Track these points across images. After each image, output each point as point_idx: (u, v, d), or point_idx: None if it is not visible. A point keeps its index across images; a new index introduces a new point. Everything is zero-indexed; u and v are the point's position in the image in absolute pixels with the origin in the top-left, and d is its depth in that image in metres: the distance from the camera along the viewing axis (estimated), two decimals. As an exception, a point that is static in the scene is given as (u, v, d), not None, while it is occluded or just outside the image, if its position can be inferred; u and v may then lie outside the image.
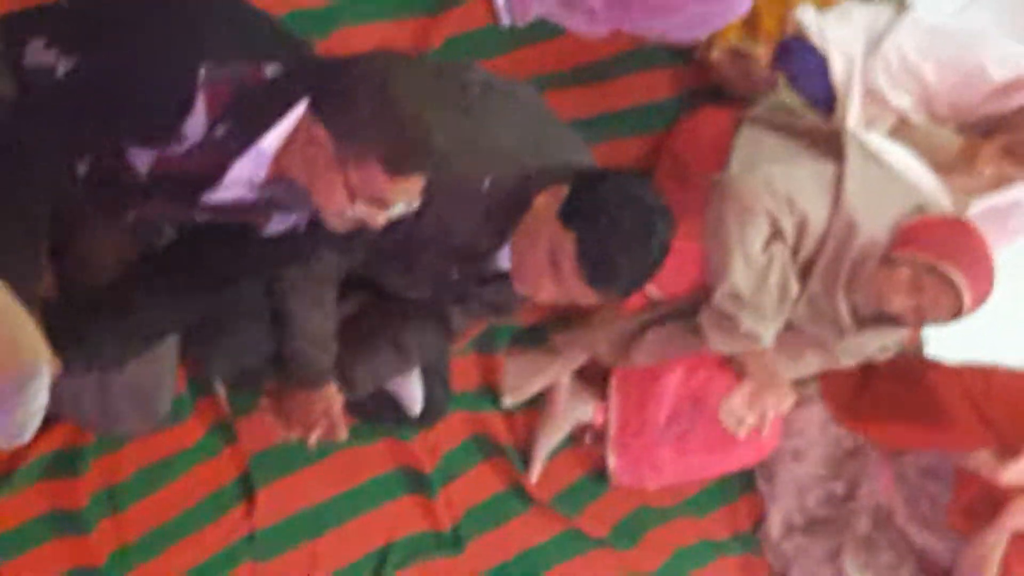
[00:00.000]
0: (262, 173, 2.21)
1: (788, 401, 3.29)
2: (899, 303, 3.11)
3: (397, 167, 2.12)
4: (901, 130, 3.40)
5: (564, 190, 2.49)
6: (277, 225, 2.37)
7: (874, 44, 3.32)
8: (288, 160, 2.19)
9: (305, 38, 2.34)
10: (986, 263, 3.13)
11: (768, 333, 3.14)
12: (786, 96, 3.30)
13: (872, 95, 3.34)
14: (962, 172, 3.34)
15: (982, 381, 3.42)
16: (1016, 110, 3.32)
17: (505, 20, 3.19)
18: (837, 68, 3.31)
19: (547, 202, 2.50)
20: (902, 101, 3.36)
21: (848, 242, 3.11)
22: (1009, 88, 3.31)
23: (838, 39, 3.32)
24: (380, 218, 2.20)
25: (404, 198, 2.18)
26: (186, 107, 2.09)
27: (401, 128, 2.10)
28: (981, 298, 3.10)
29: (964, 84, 3.33)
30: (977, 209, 3.36)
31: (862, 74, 3.31)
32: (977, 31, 3.34)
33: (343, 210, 2.19)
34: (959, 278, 3.05)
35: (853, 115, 3.32)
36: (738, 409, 3.28)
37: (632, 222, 2.45)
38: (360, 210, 2.18)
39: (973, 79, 3.32)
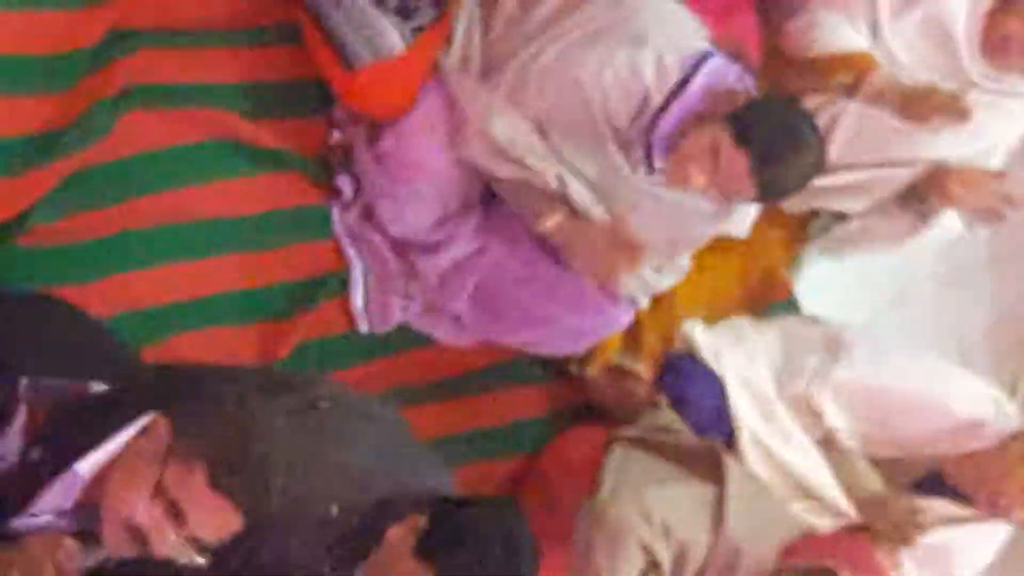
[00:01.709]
0: (70, 501, 2.02)
1: None
2: None
3: (220, 480, 1.94)
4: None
5: (422, 521, 2.35)
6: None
7: (795, 365, 3.23)
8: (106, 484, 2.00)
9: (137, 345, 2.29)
10: None
11: None
12: (666, 415, 3.18)
13: (800, 407, 3.23)
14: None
15: None
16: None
17: (364, 326, 3.06)
18: (735, 392, 3.19)
19: (402, 535, 2.35)
20: (838, 421, 3.23)
21: (733, 569, 2.97)
22: (965, 429, 3.19)
23: (735, 362, 3.22)
24: (164, 543, 1.96)
25: (201, 531, 1.95)
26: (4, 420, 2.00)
27: (243, 446, 1.95)
28: None
29: (922, 416, 3.22)
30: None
31: (775, 391, 3.22)
32: (942, 365, 3.33)
33: (132, 514, 1.95)
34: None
35: (748, 439, 3.18)
36: None
37: (496, 562, 2.31)
38: (150, 518, 1.94)
39: (933, 413, 3.21)
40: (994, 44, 3.18)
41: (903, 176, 3.28)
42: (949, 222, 3.33)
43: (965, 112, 3.04)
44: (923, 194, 3.27)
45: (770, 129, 2.71)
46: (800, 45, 3.26)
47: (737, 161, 2.70)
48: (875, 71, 3.19)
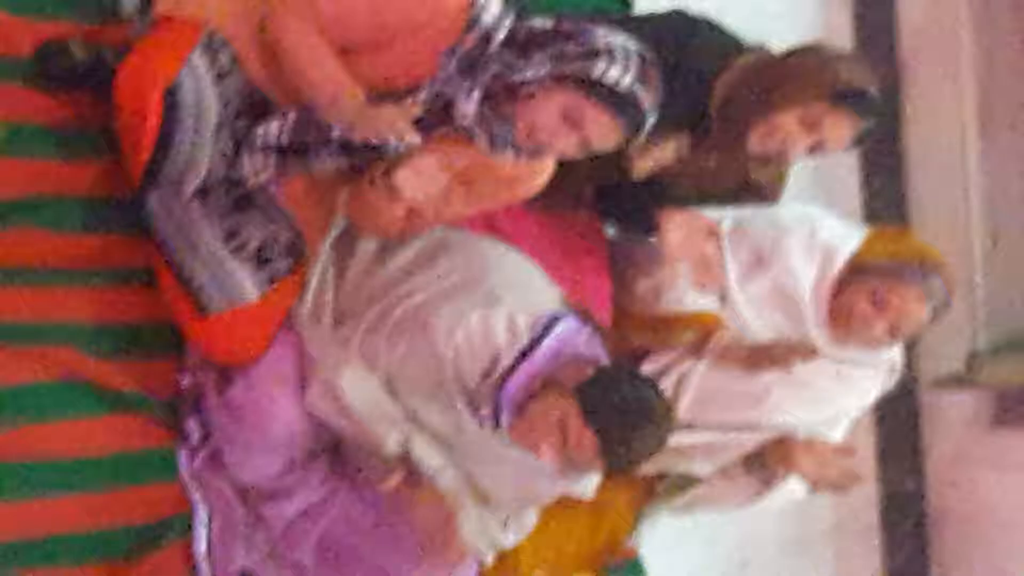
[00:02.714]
0: None
1: None
2: None
3: None
4: None
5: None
6: None
7: None
8: None
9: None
10: None
11: None
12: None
13: None
14: None
15: None
16: None
17: (205, 573, 2.98)
18: None
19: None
20: None
21: None
22: None
23: None
24: None
25: None
26: None
27: None
28: None
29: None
30: None
31: None
32: None
33: None
34: None
35: None
36: None
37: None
38: None
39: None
40: (837, 315, 3.28)
41: (749, 441, 3.32)
42: (794, 486, 3.37)
43: (811, 351, 3.15)
44: (768, 461, 3.32)
45: (618, 407, 2.75)
46: (648, 304, 3.36)
47: (585, 437, 2.73)
48: (721, 330, 3.28)
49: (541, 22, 2.66)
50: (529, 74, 2.58)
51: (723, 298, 3.34)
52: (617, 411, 2.74)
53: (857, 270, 3.28)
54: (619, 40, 2.61)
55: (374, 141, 2.59)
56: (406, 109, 2.58)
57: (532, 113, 2.63)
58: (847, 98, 3.03)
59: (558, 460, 2.78)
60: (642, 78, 2.60)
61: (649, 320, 3.34)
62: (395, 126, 2.54)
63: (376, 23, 2.61)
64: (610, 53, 2.58)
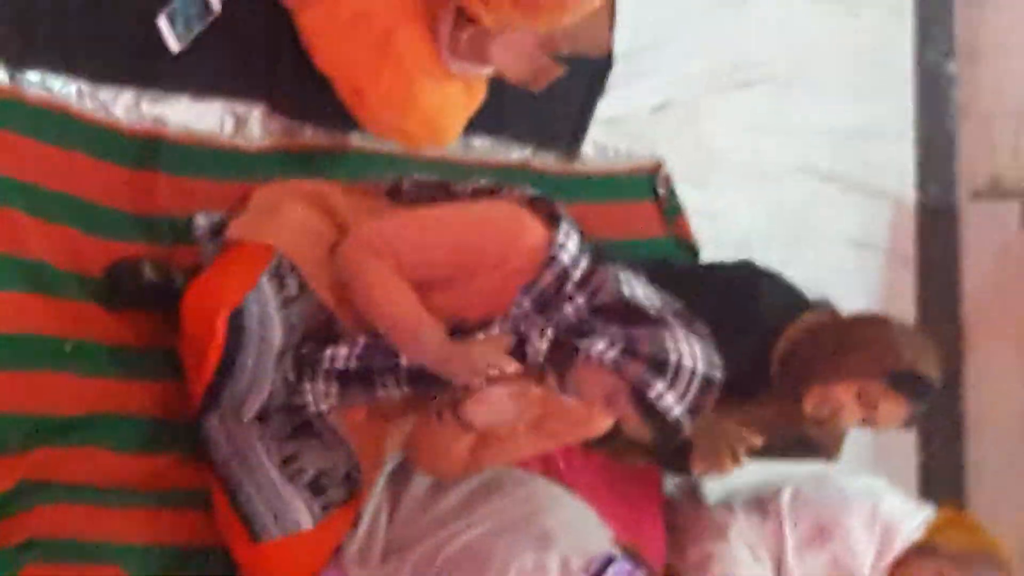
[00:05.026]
0: None
1: None
2: None
3: None
4: None
5: None
6: None
7: None
8: None
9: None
10: None
11: None
12: None
13: None
14: None
15: None
16: None
17: None
18: None
19: None
20: None
21: None
22: None
23: None
24: None
25: None
26: None
27: None
28: None
29: None
30: None
31: None
32: None
33: None
34: None
35: None
36: None
37: None
38: None
39: None
40: None
41: None
42: None
43: None
44: None
45: None
46: (700, 571, 3.31)
47: None
48: None
49: (618, 287, 2.64)
50: (600, 346, 2.56)
51: (779, 569, 3.28)
52: None
53: (926, 551, 3.23)
54: (689, 358, 2.55)
55: (464, 381, 2.59)
56: (498, 341, 2.59)
57: (585, 380, 2.60)
58: (906, 383, 3.01)
59: None
60: (694, 407, 2.56)
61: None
62: (494, 361, 2.55)
63: (457, 261, 2.63)
64: (676, 373, 2.53)
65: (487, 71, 3.08)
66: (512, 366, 2.56)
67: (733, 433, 3.13)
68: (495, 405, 2.64)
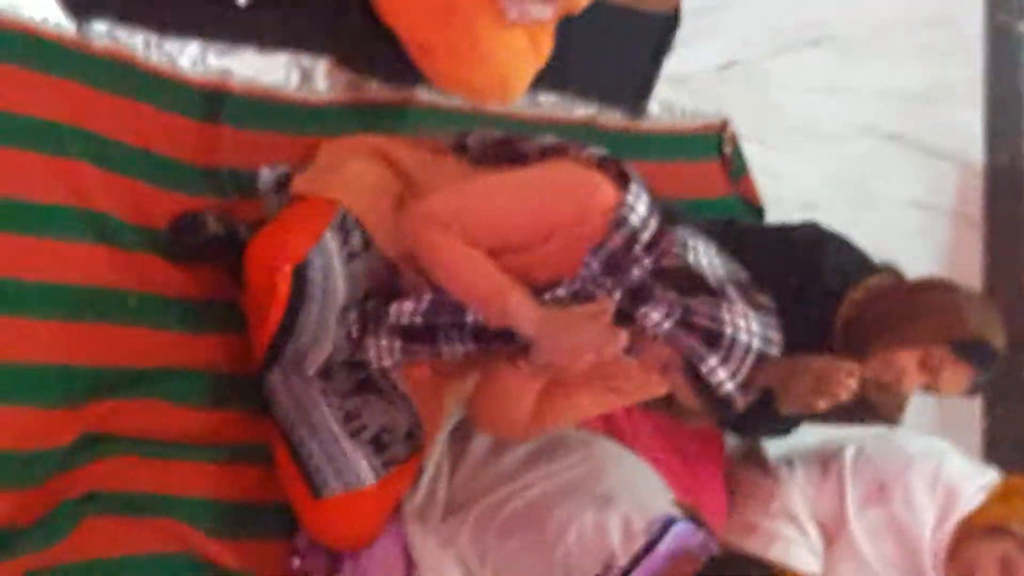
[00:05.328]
0: None
1: None
2: None
3: None
4: None
5: None
6: None
7: None
8: None
9: None
10: None
11: None
12: None
13: None
14: None
15: None
16: None
17: None
18: None
19: None
20: None
21: None
22: None
23: None
24: None
25: None
26: None
27: None
28: None
29: None
30: None
31: None
32: None
33: None
34: None
35: None
36: None
37: None
38: None
39: None
40: (958, 564, 3.17)
41: None
42: None
43: None
44: None
45: None
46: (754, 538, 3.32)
47: None
48: None
49: (684, 252, 2.60)
50: (655, 316, 2.53)
51: (839, 524, 3.26)
52: None
53: (996, 529, 3.16)
54: (745, 334, 2.51)
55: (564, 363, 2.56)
56: (600, 310, 2.52)
57: (640, 346, 2.57)
58: (970, 351, 2.97)
59: None
60: (745, 383, 2.52)
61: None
62: (601, 336, 2.49)
63: (532, 228, 2.59)
64: (730, 349, 2.49)
65: (547, 16, 3.05)
66: (623, 340, 2.50)
67: (823, 369, 3.05)
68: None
